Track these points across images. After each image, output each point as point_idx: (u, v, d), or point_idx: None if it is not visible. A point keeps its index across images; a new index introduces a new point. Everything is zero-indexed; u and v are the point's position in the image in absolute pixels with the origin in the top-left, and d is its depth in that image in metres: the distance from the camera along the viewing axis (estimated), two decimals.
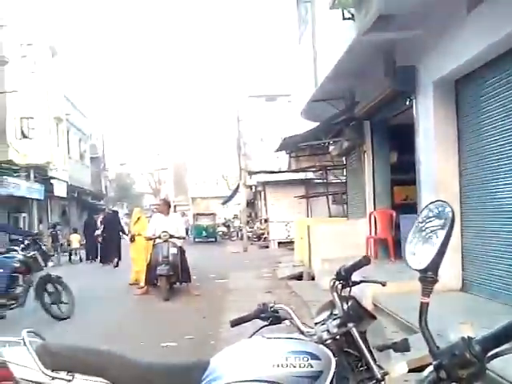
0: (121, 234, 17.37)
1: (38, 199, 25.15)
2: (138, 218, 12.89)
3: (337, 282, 2.16)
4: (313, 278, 10.92)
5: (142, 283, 11.14)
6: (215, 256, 21.21)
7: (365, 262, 2.15)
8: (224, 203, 46.75)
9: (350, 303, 2.11)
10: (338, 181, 18.30)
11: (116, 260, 17.59)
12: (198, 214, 36.04)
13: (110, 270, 16.24)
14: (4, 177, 21.84)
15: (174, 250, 10.23)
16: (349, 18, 7.73)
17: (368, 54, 8.37)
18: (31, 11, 25.51)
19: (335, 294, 2.14)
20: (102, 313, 8.96)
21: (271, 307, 2.29)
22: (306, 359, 1.97)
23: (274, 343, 2.06)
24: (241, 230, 31.25)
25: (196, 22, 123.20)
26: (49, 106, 27.33)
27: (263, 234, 26.71)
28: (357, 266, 2.14)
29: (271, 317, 2.28)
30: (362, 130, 11.43)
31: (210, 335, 6.79)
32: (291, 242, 19.57)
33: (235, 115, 27.40)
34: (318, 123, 13.83)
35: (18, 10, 25.63)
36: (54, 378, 1.96)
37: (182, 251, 10.54)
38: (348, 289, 2.16)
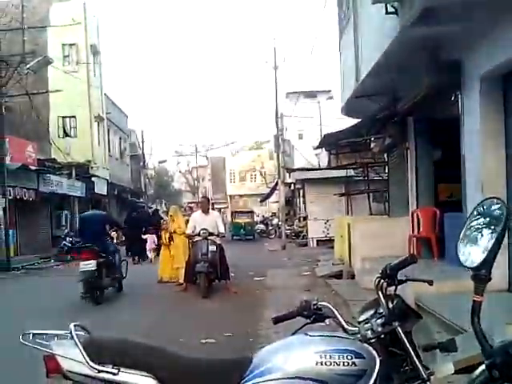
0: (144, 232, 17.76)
1: (79, 196, 25.75)
2: (176, 216, 13.00)
3: (382, 281, 2.12)
4: (353, 277, 10.79)
5: (181, 280, 11.26)
6: (253, 254, 21.24)
7: (411, 260, 2.11)
8: (262, 201, 46.81)
9: (395, 302, 2.07)
10: (379, 178, 18.04)
11: (137, 257, 18.09)
12: (236, 212, 36.07)
13: (146, 267, 16.37)
14: (47, 175, 22.47)
15: (213, 248, 10.26)
16: (392, 13, 7.55)
17: (411, 49, 8.18)
18: (73, 12, 26.07)
19: (380, 292, 2.10)
20: (141, 309, 9.11)
21: (314, 305, 2.25)
22: (349, 357, 1.94)
23: (317, 341, 2.04)
24: (279, 228, 31.21)
25: (235, 18, 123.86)
26: (90, 105, 27.92)
27: (302, 231, 26.57)
28: (403, 264, 2.10)
29: (314, 314, 2.24)
30: (405, 126, 11.22)
31: (248, 332, 6.81)
32: (330, 241, 19.42)
33: (274, 112, 27.31)
34: (358, 120, 13.66)
35: (60, 10, 26.31)
36: (99, 371, 1.99)
37: (221, 249, 10.59)
38: (393, 287, 2.12)
